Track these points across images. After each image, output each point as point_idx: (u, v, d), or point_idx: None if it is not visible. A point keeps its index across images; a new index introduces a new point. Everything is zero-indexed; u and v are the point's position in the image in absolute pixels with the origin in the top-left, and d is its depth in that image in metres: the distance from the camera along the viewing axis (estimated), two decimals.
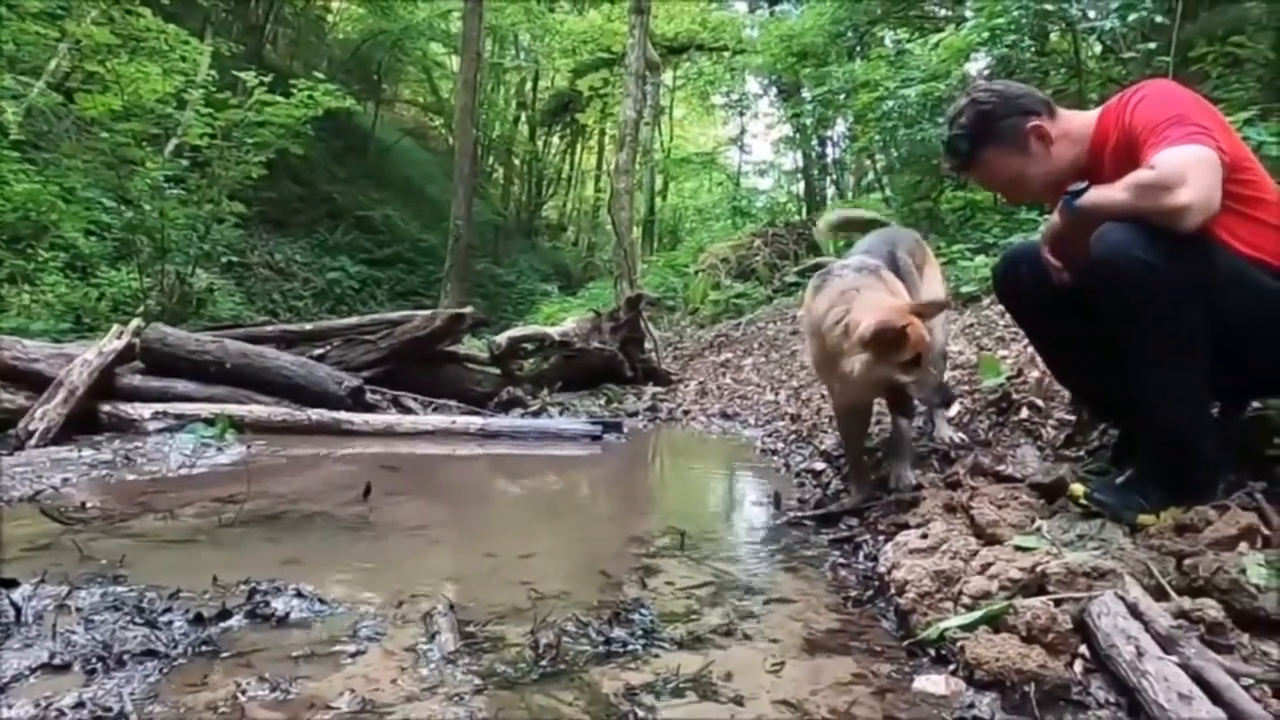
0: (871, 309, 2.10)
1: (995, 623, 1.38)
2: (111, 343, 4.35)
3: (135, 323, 4.78)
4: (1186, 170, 1.53)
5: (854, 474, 2.58)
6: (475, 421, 4.49)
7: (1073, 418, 2.47)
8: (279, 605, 1.60)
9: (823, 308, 2.20)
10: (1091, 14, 5.62)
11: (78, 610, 1.55)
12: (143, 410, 4.04)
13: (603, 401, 5.81)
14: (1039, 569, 1.46)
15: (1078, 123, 1.91)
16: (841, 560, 2.05)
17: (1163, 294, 1.57)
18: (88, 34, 7.63)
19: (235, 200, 8.85)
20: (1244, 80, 4.84)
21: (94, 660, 1.35)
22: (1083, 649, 1.31)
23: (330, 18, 20.44)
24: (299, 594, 1.66)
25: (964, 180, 2.13)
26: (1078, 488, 1.79)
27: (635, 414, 5.37)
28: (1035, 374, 2.98)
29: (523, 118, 24.00)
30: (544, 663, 1.38)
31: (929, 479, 2.33)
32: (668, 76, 19.83)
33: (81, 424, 3.86)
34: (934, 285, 2.77)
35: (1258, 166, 1.74)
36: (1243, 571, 1.36)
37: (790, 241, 10.29)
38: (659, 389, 6.19)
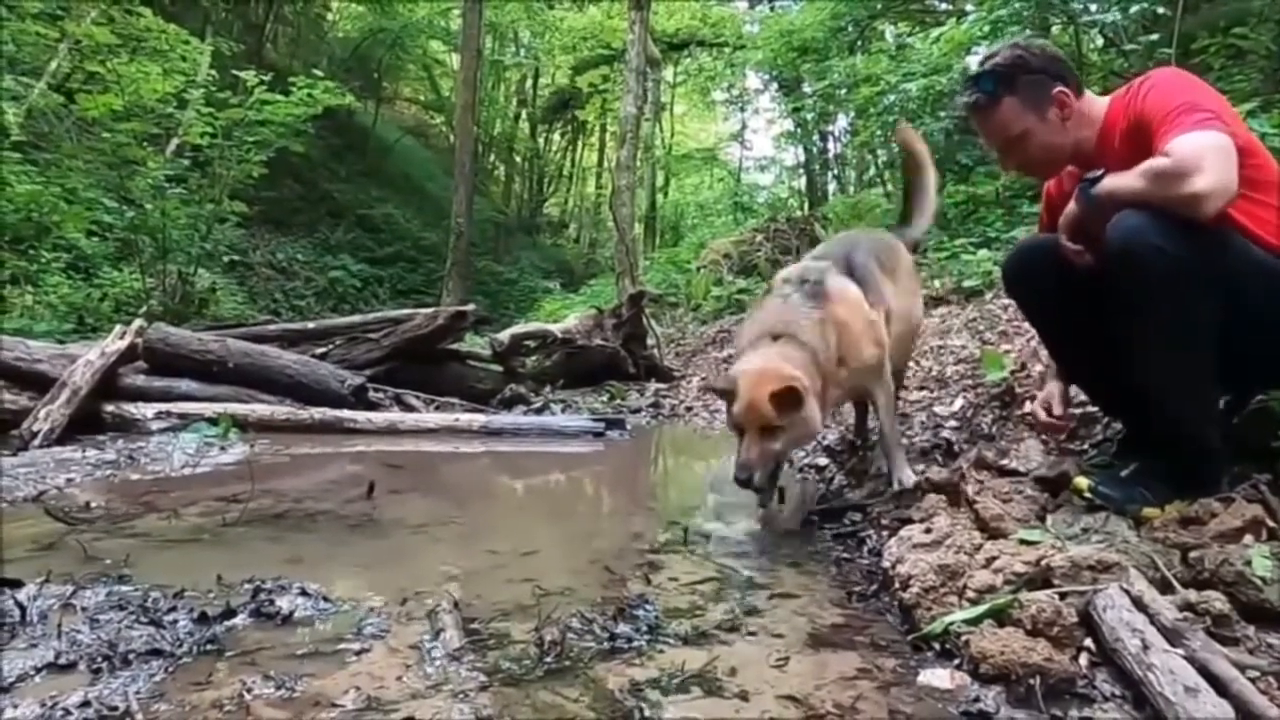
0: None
1: (1000, 616, 1.37)
2: (114, 343, 4.35)
3: (138, 323, 4.77)
4: (1202, 157, 1.53)
5: None
6: (478, 419, 4.50)
7: (1076, 411, 2.46)
8: (283, 604, 1.60)
9: (744, 340, 2.40)
10: (1093, 7, 5.60)
11: (83, 610, 1.55)
12: (146, 410, 4.05)
13: (605, 398, 5.81)
14: (1043, 562, 1.46)
15: (1096, 107, 1.90)
16: (845, 555, 2.05)
17: (1178, 281, 1.56)
18: (88, 34, 7.64)
19: (236, 200, 8.86)
20: (1246, 72, 4.83)
21: (99, 659, 1.35)
22: (1088, 642, 1.31)
23: (330, 16, 20.47)
24: (303, 592, 1.66)
25: (971, 124, 2.08)
26: (1082, 481, 1.79)
27: (638, 410, 5.37)
28: (1038, 368, 2.97)
29: (523, 115, 24.00)
30: (549, 659, 1.38)
31: (933, 472, 2.32)
32: (668, 73, 19.82)
33: (85, 424, 3.86)
34: (904, 293, 2.64)
35: (1264, 151, 1.74)
36: (1248, 564, 1.36)
37: (792, 237, 10.24)
38: (661, 385, 6.19)
